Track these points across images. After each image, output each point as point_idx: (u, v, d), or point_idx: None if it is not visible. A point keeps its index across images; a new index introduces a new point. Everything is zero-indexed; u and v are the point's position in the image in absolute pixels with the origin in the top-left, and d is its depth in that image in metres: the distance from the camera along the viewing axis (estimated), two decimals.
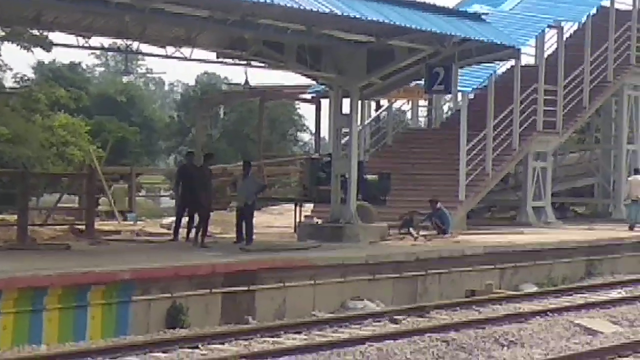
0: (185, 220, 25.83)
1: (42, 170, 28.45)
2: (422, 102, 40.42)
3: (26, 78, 35.89)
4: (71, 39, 25.08)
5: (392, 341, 16.48)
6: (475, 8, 32.79)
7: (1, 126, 26.74)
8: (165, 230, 27.77)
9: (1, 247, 21.86)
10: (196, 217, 24.86)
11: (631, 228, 33.29)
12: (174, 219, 26.98)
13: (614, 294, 24.26)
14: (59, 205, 28.69)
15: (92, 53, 44.79)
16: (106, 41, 28.01)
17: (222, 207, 30.49)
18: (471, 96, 35.95)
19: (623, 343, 17.09)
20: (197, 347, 16.28)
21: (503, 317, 19.53)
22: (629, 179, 38.25)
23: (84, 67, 57.89)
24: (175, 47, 25.21)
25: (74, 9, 21.37)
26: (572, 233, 32.06)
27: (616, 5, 40.12)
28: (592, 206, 42.01)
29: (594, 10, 38.83)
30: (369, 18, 22.96)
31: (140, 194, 35.26)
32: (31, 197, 27.15)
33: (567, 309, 21.08)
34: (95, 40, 25.96)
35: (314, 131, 35.27)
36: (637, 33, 40.11)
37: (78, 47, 25.75)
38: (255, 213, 27.81)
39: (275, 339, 17.49)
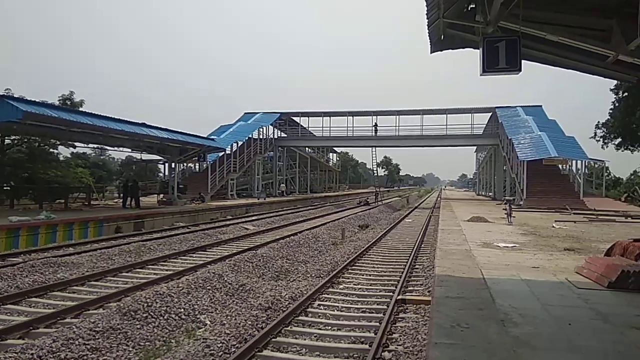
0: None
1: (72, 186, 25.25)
2: (197, 165, 39.77)
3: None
4: (79, 144, 23.90)
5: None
6: (214, 136, 33.37)
7: (57, 171, 24.46)
8: (114, 203, 25.55)
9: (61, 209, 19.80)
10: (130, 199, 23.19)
11: (257, 199, 32.86)
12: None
13: (254, 218, 23.22)
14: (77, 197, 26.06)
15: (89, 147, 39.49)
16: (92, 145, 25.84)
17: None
18: (212, 162, 35.04)
19: (260, 231, 16.84)
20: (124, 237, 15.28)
21: (216, 227, 18.04)
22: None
23: (87, 152, 52.73)
24: (116, 147, 23.61)
25: (86, 135, 19.88)
26: (251, 200, 31.45)
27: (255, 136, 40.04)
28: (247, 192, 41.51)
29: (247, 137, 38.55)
30: (179, 139, 23.20)
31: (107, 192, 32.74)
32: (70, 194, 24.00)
33: (240, 223, 20.40)
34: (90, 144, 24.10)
35: (166, 173, 34.04)
36: (260, 143, 40.55)
37: (85, 147, 24.56)
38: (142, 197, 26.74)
39: (162, 234, 15.66)
